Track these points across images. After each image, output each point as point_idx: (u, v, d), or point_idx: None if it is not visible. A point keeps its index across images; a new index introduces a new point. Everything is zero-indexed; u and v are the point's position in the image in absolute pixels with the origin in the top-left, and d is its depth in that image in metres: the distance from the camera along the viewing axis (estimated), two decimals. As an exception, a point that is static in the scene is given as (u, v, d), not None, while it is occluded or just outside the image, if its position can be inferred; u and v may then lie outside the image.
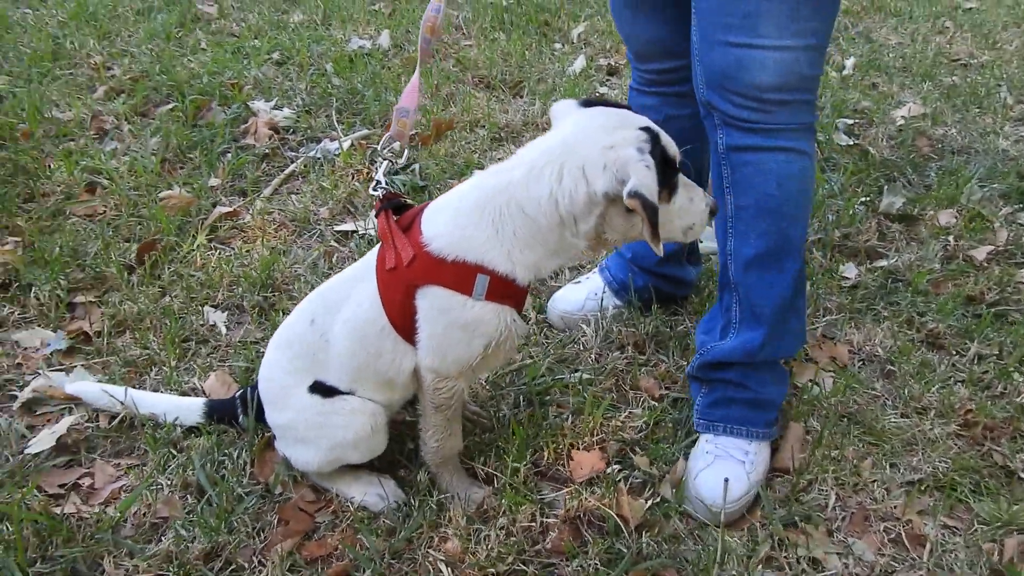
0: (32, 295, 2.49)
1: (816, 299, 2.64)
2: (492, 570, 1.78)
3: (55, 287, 2.50)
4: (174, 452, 2.03)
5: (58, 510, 1.86)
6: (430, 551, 1.83)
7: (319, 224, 2.98)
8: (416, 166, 3.35)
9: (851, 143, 3.62)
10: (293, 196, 3.15)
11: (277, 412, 1.93)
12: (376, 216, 1.78)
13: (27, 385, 2.18)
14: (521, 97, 4.07)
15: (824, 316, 2.59)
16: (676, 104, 2.26)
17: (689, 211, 1.73)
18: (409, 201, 1.85)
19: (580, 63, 4.44)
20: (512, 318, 1.75)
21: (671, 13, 2.09)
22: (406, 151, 1.90)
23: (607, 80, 4.37)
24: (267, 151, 3.39)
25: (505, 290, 1.70)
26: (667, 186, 1.65)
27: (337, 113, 3.73)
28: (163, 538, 1.83)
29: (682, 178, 1.71)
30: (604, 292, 2.58)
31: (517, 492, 1.96)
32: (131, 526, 1.87)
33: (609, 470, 2.05)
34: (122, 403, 2.09)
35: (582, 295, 2.58)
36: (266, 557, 1.80)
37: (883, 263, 2.82)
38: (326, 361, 1.84)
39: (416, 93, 1.89)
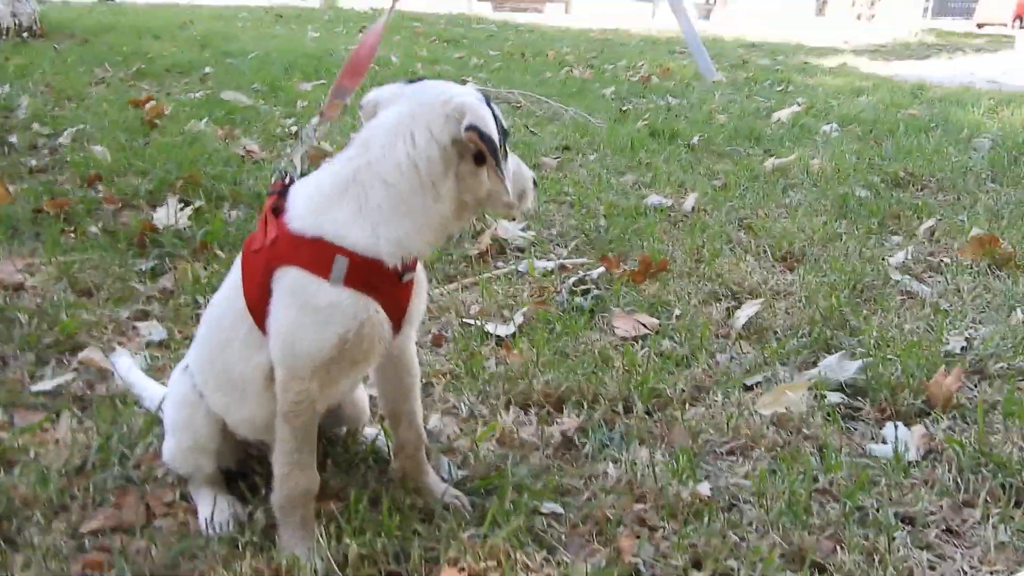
0: (175, 301, 2.86)
1: None
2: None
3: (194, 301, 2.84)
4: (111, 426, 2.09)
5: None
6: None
7: (460, 315, 2.91)
8: (594, 292, 3.09)
9: None
10: (465, 291, 3.14)
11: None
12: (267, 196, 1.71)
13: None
14: (792, 272, 3.51)
15: None
16: None
17: (520, 176, 1.71)
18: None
19: (900, 257, 3.68)
20: (376, 311, 1.58)
21: None
22: (323, 129, 1.80)
23: (928, 276, 3.54)
24: (476, 254, 3.46)
25: (368, 276, 1.56)
26: (504, 147, 1.62)
27: (580, 244, 3.66)
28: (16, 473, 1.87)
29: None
30: None
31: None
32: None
33: (459, 607, 1.54)
34: (121, 378, 2.24)
35: None
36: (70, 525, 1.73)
37: None
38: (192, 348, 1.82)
39: (363, 73, 1.80)
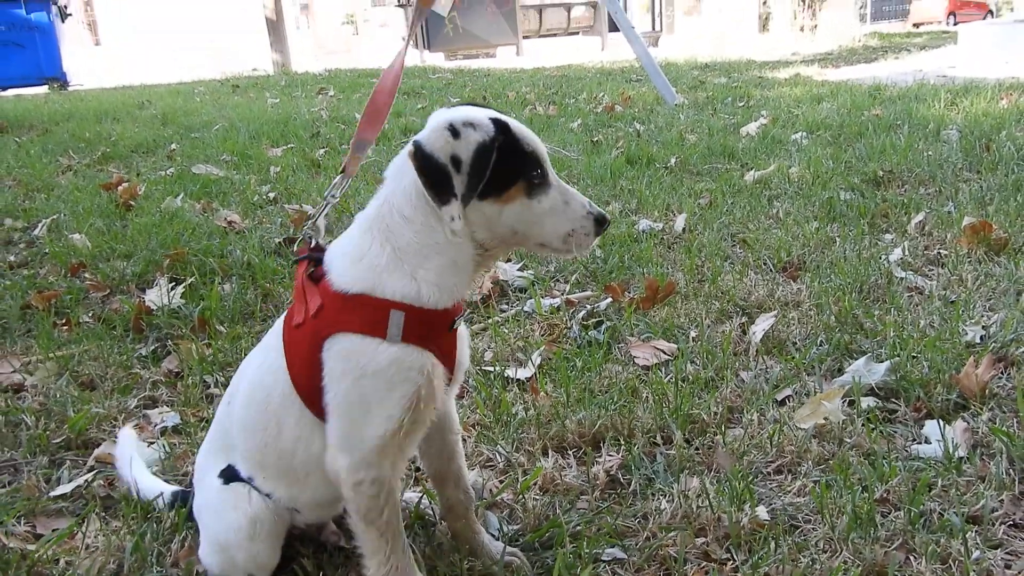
0: (183, 383, 2.76)
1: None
2: None
3: (203, 382, 2.74)
4: (143, 523, 1.98)
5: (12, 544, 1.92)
6: None
7: (477, 363, 2.84)
8: (605, 324, 3.04)
9: None
10: (476, 338, 3.08)
11: (195, 497, 1.78)
12: (295, 265, 1.63)
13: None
14: (796, 280, 3.49)
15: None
16: None
17: (564, 215, 1.52)
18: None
19: (897, 254, 3.68)
20: (434, 363, 1.48)
21: None
22: (347, 184, 1.73)
23: (928, 270, 3.54)
24: (478, 299, 3.41)
25: (425, 327, 1.46)
26: (526, 180, 1.49)
27: (579, 278, 3.62)
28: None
29: (559, 181, 1.55)
30: None
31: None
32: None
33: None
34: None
35: None
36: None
37: None
38: (234, 439, 1.68)
39: (382, 121, 1.75)
